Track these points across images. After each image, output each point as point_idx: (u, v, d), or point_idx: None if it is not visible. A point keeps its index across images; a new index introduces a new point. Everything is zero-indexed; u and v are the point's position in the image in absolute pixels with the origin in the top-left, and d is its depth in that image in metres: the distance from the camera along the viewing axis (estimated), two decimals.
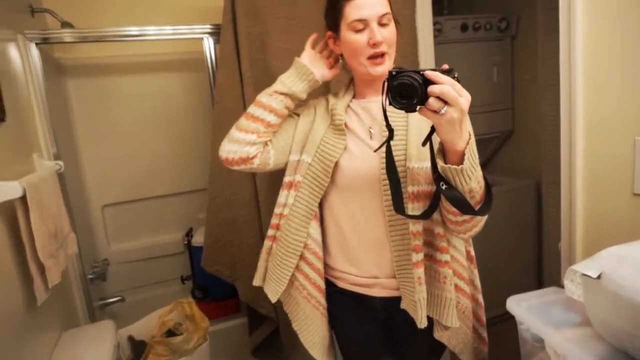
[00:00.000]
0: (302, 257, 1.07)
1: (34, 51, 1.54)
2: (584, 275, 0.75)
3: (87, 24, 1.83)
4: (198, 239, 2.09)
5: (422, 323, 0.96)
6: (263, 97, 1.08)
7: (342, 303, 1.12)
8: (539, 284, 2.52)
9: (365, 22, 0.95)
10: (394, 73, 0.75)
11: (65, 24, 1.79)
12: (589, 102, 1.10)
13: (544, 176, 2.28)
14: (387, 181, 0.91)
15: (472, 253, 1.10)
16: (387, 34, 0.97)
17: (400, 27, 1.04)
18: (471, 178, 0.79)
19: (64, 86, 2.04)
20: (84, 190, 2.14)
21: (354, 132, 1.05)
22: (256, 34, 1.57)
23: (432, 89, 0.71)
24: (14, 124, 1.28)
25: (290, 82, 1.07)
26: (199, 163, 2.22)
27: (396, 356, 1.14)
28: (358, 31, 0.97)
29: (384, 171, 0.92)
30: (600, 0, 1.04)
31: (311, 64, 1.08)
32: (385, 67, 0.98)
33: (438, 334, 1.03)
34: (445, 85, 0.71)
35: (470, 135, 0.79)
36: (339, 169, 1.03)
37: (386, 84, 0.76)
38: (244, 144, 1.06)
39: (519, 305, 0.96)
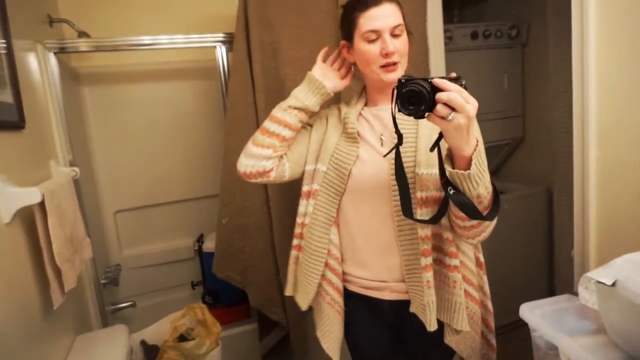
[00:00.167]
0: (325, 263, 1.10)
1: (52, 60, 1.57)
2: (599, 282, 0.75)
3: (103, 33, 1.87)
4: (209, 245, 2.11)
5: (431, 326, 0.97)
6: (278, 112, 1.10)
7: (352, 306, 1.14)
8: (550, 292, 2.49)
9: (378, 33, 0.98)
10: (403, 81, 0.77)
11: (82, 34, 1.83)
12: (601, 110, 1.10)
13: (555, 183, 2.27)
14: (397, 186, 0.93)
15: (482, 259, 1.11)
16: (399, 45, 0.99)
17: (412, 33, 1.07)
18: (479, 183, 0.80)
19: (80, 94, 2.08)
20: (97, 196, 2.17)
21: (365, 140, 1.07)
22: (268, 42, 1.60)
23: (439, 95, 0.73)
24: (33, 131, 1.31)
25: (303, 96, 1.09)
26: (210, 170, 2.24)
27: (405, 359, 1.15)
28: (371, 41, 0.99)
29: (394, 177, 0.94)
30: (613, 8, 1.04)
31: (323, 77, 1.11)
32: (397, 74, 1.00)
33: (448, 338, 1.04)
34: (453, 92, 0.73)
35: (477, 141, 0.80)
36: (351, 176, 1.05)
37: (395, 91, 0.78)
38: (261, 159, 1.09)
39: (533, 313, 0.96)
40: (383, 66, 1.00)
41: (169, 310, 1.65)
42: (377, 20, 0.97)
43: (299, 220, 1.14)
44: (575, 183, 1.19)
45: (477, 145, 0.80)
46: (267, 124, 1.10)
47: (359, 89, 1.17)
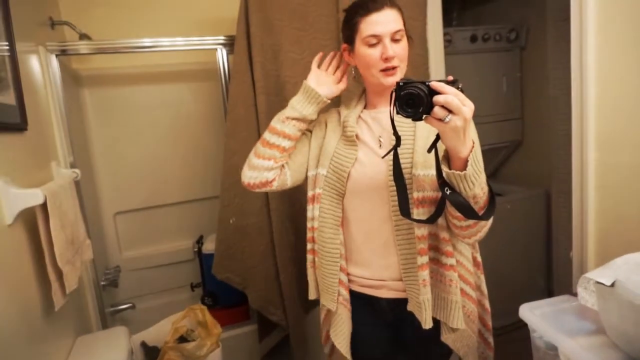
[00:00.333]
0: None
1: (54, 62, 1.58)
2: (598, 282, 0.76)
3: (104, 35, 1.88)
4: (208, 247, 2.11)
5: (427, 324, 1.00)
6: (277, 123, 1.12)
7: (353, 305, 1.15)
8: (549, 293, 2.51)
9: (378, 38, 1.00)
10: (401, 84, 0.79)
11: (83, 36, 1.84)
12: (600, 112, 1.11)
13: (553, 185, 2.28)
14: (394, 187, 0.95)
15: (479, 259, 1.13)
16: (399, 50, 1.02)
17: (412, 38, 1.09)
18: (474, 184, 0.82)
19: (81, 96, 2.09)
20: (97, 198, 2.17)
21: (364, 142, 1.10)
22: (269, 45, 1.61)
23: (437, 98, 0.75)
24: (35, 133, 1.32)
25: (300, 106, 1.11)
26: (210, 171, 2.25)
27: (403, 359, 1.16)
28: (372, 45, 1.01)
29: (392, 178, 0.96)
30: (612, 12, 1.06)
31: (318, 85, 1.12)
32: (397, 77, 1.02)
33: (444, 336, 1.06)
34: (450, 95, 0.75)
35: (473, 143, 0.82)
36: (350, 177, 1.08)
37: (394, 94, 0.80)
38: (263, 170, 1.11)
39: (533, 313, 0.97)
40: (383, 70, 1.02)
41: (168, 312, 1.65)
42: (378, 25, 0.99)
43: (308, 224, 1.16)
44: (574, 185, 1.20)
45: (473, 146, 0.82)
46: (267, 135, 1.12)
47: (359, 91, 1.19)
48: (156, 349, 1.54)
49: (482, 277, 1.14)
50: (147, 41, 1.71)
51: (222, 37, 1.75)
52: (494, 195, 0.88)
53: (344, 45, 1.11)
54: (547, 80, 2.20)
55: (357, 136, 1.09)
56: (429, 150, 0.86)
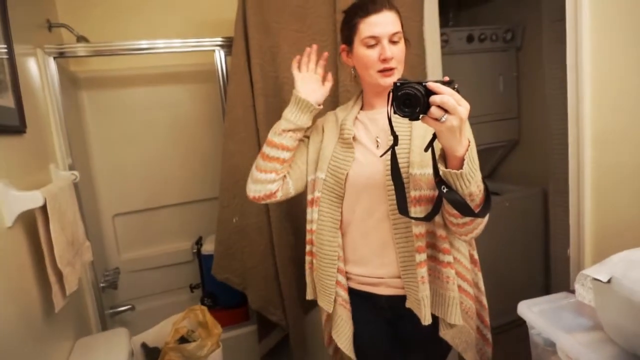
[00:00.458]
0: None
1: (52, 65, 1.58)
2: (595, 279, 0.77)
3: (102, 37, 1.88)
4: (208, 248, 2.11)
5: (425, 320, 1.01)
6: (274, 137, 1.13)
7: (352, 303, 1.16)
8: (547, 290, 2.52)
9: (377, 39, 1.02)
10: (398, 84, 0.80)
11: (81, 38, 1.84)
12: (596, 112, 1.12)
13: (550, 184, 2.30)
14: (392, 186, 0.97)
15: (476, 257, 1.15)
16: (397, 51, 1.03)
17: (409, 40, 1.11)
18: (470, 182, 0.84)
19: (78, 98, 2.08)
20: (95, 200, 2.17)
21: (361, 143, 1.11)
22: (267, 46, 1.61)
23: (433, 98, 0.77)
24: (33, 136, 1.32)
25: (294, 117, 1.12)
26: (209, 172, 2.25)
27: (403, 355, 1.17)
28: (370, 47, 1.03)
29: (389, 177, 0.98)
30: (607, 12, 1.07)
31: (307, 93, 1.12)
32: (394, 78, 1.03)
33: (442, 332, 1.07)
34: (446, 95, 0.76)
35: (469, 142, 0.84)
36: (348, 178, 1.09)
37: (391, 94, 0.81)
38: (266, 183, 1.13)
39: (531, 310, 0.98)
40: (380, 71, 1.04)
41: (168, 314, 1.65)
42: (377, 27, 1.01)
43: (307, 227, 1.18)
44: (571, 183, 1.21)
45: (469, 145, 0.83)
46: (266, 149, 1.13)
47: (357, 92, 1.20)
48: (157, 350, 1.54)
49: (480, 274, 1.15)
50: (144, 43, 1.71)
51: (220, 39, 1.76)
52: (489, 193, 0.89)
53: (343, 46, 1.12)
54: (543, 79, 2.21)
55: (354, 137, 1.10)
56: (426, 150, 0.88)
